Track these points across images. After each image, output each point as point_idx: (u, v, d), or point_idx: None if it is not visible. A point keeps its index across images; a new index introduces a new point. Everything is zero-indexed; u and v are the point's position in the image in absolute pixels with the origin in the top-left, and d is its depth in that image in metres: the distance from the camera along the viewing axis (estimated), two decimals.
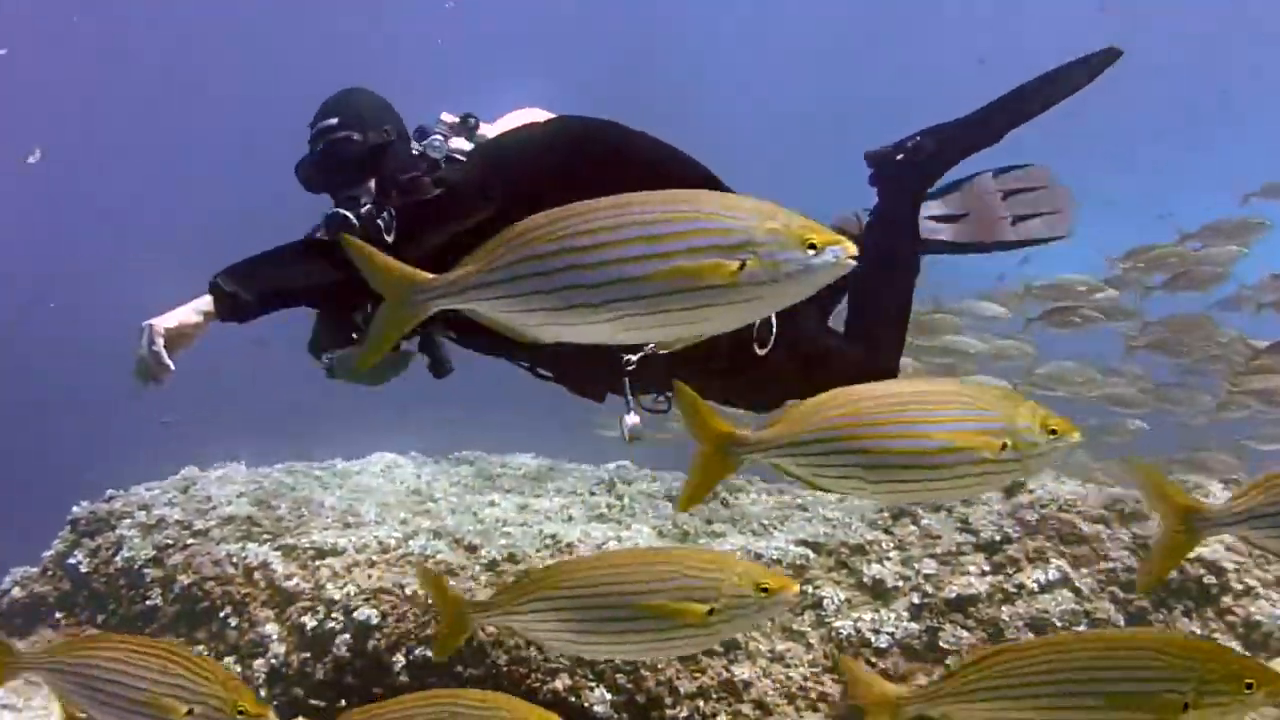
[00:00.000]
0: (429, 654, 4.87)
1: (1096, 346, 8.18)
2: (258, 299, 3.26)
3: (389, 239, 3.36)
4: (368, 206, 3.43)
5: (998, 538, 5.35)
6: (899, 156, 4.17)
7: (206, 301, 3.23)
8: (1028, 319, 7.82)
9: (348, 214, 3.39)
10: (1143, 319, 7.78)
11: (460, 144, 3.62)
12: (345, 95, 3.62)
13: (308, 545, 5.48)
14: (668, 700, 4.73)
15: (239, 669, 5.05)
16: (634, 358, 3.60)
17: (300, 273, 3.37)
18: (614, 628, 2.60)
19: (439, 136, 3.55)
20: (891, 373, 4.14)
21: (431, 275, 2.16)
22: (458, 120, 3.69)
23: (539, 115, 3.82)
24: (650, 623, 2.54)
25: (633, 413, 3.66)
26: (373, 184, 3.50)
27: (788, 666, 4.88)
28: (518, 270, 2.05)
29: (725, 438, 2.43)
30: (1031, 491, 5.60)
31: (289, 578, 5.31)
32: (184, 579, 5.38)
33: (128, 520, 5.82)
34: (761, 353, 3.77)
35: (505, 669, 4.82)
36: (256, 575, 5.35)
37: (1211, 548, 5.05)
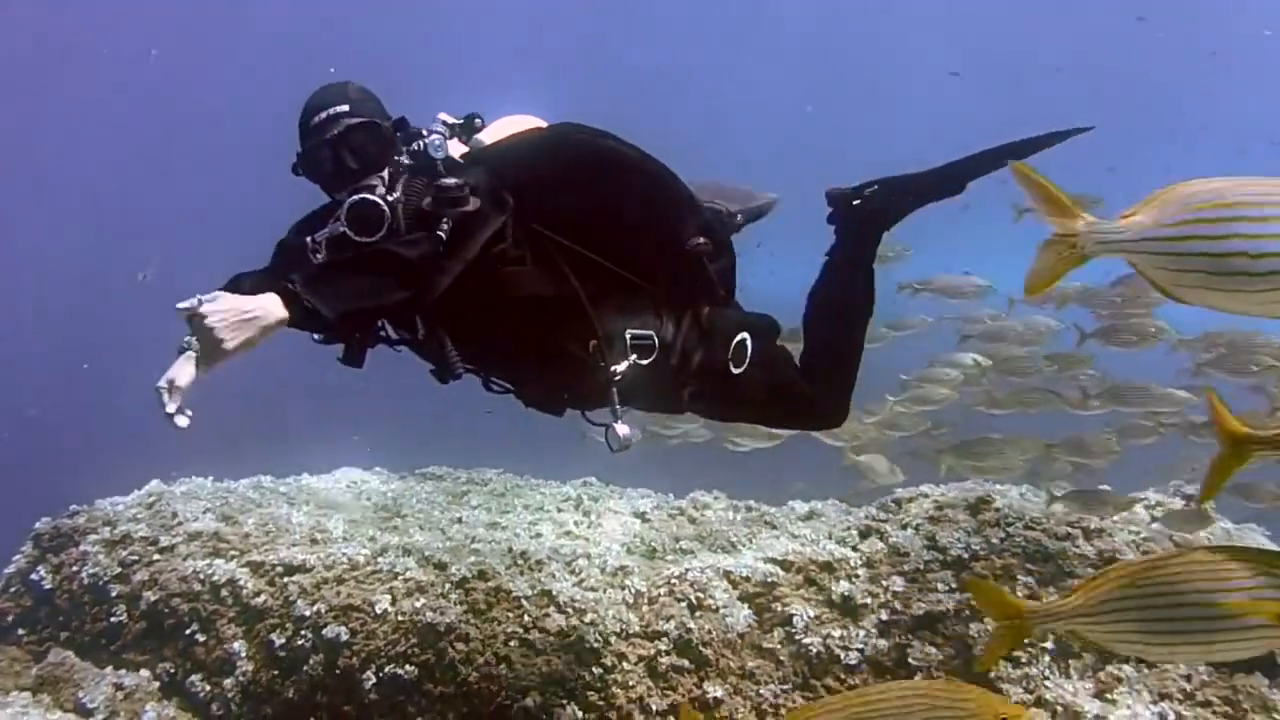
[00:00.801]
0: (399, 671, 4.86)
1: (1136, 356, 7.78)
2: (338, 318, 3.12)
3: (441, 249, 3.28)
4: (395, 195, 3.36)
5: (965, 555, 5.39)
6: (855, 202, 4.28)
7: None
8: (1081, 335, 7.46)
9: (377, 200, 3.31)
10: (1207, 335, 7.24)
11: (455, 146, 3.61)
12: (344, 85, 3.52)
13: (276, 562, 5.45)
14: (639, 717, 4.74)
15: (207, 687, 5.01)
16: (620, 369, 3.62)
17: (371, 289, 3.23)
18: (1190, 627, 2.61)
19: (438, 137, 3.49)
20: (842, 408, 4.30)
21: (1096, 219, 2.38)
22: (459, 122, 3.67)
23: (531, 122, 3.84)
24: (1228, 621, 2.55)
25: (621, 423, 3.70)
26: (386, 174, 3.42)
27: (758, 683, 4.90)
28: (1184, 231, 2.23)
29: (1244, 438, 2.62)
30: (998, 509, 5.66)
31: (257, 594, 5.29)
32: (150, 595, 5.34)
33: (92, 536, 5.76)
34: (737, 372, 3.87)
35: (476, 686, 4.81)
36: (224, 592, 5.31)
37: None
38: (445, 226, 3.26)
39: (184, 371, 3.55)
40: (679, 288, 3.81)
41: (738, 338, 3.89)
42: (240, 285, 3.77)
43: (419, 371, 3.91)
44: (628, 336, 3.65)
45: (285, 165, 3.52)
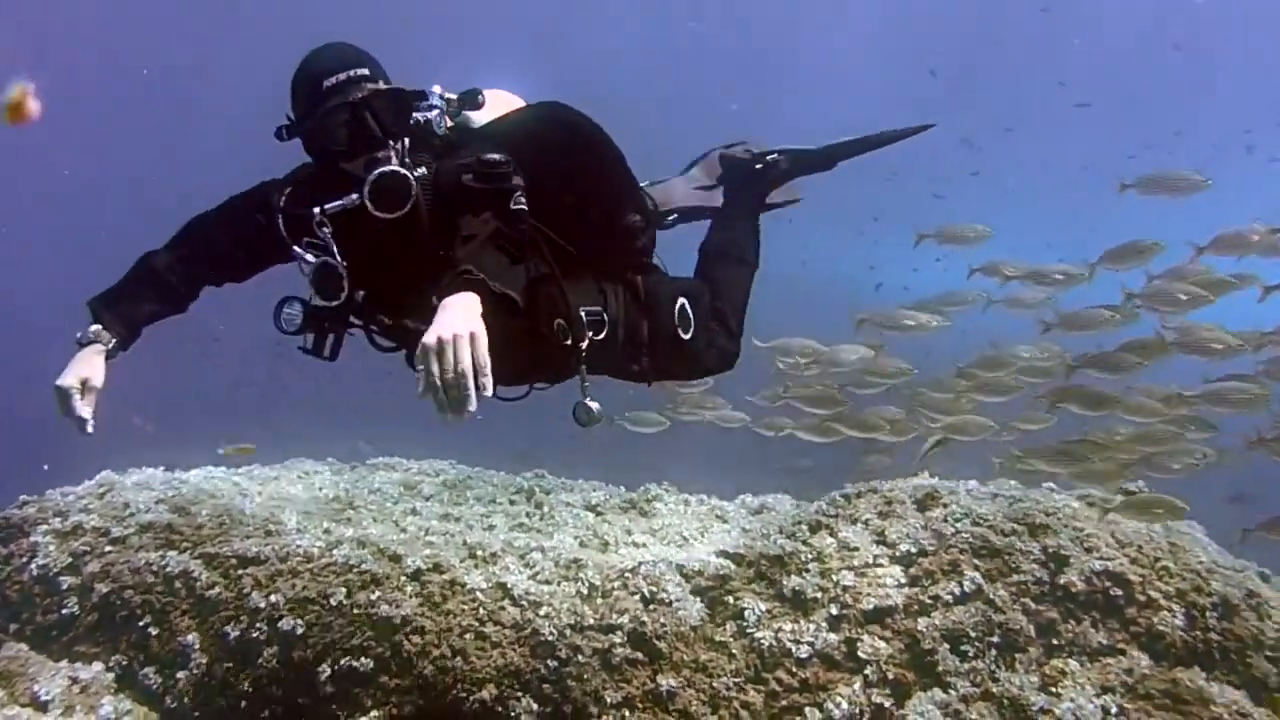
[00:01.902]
0: (355, 664, 4.87)
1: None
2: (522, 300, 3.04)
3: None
4: (420, 171, 3.32)
5: (913, 550, 5.49)
6: (757, 166, 4.73)
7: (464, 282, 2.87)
8: (1162, 341, 6.85)
9: (406, 174, 3.26)
10: None
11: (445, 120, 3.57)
12: (353, 47, 3.42)
13: (230, 554, 5.44)
14: (593, 710, 4.79)
15: (160, 679, 5.00)
16: (584, 345, 3.65)
17: (505, 267, 3.12)
18: None
19: (437, 112, 3.48)
20: (738, 350, 4.48)
21: None
22: (456, 97, 3.59)
23: (511, 98, 3.86)
24: None
25: (590, 398, 3.74)
26: (399, 147, 3.37)
27: (711, 676, 4.97)
28: None
29: None
30: (945, 505, 5.76)
31: (211, 587, 5.27)
32: (102, 587, 5.30)
33: (42, 527, 5.70)
34: (686, 336, 4.04)
35: (432, 678, 4.84)
36: (178, 584, 5.29)
37: (1117, 561, 5.25)
38: (522, 201, 3.28)
39: (96, 369, 3.38)
40: (615, 262, 3.89)
41: (678, 304, 4.02)
42: (153, 262, 3.64)
43: (364, 363, 3.91)
44: (583, 314, 3.67)
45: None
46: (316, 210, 3.31)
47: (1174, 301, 6.81)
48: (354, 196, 3.27)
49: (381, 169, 3.26)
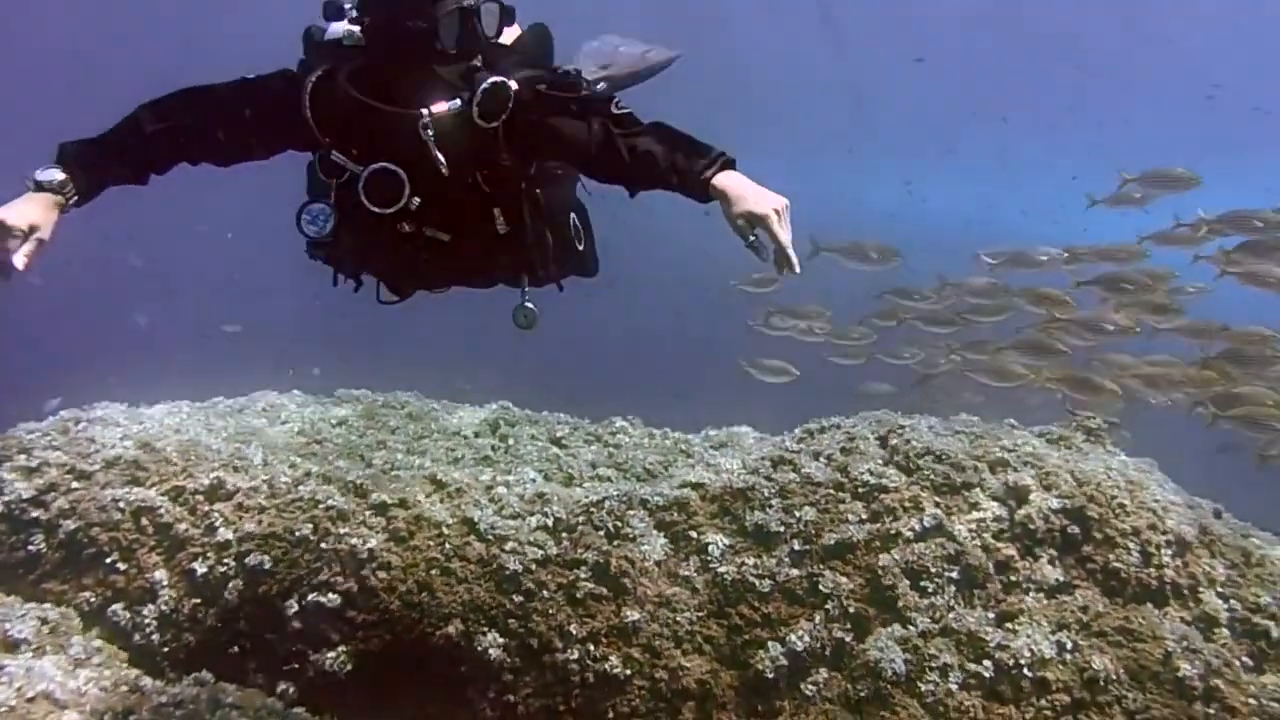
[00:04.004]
0: (322, 599, 4.92)
1: None
2: None
3: None
4: (513, 84, 3.38)
5: (875, 485, 5.54)
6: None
7: None
8: None
9: (512, 85, 3.35)
10: None
11: None
12: None
13: (196, 489, 5.44)
14: (559, 643, 4.85)
15: (128, 615, 5.01)
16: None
17: None
18: None
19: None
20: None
21: None
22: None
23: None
24: None
25: (528, 300, 3.90)
26: (479, 60, 3.43)
27: (674, 611, 5.03)
28: None
29: None
30: (908, 442, 5.81)
31: (178, 522, 5.27)
32: (69, 524, 5.26)
33: (7, 464, 5.65)
34: (580, 248, 4.17)
35: (399, 613, 4.89)
36: (144, 520, 5.28)
37: (1075, 499, 5.32)
38: (625, 106, 3.42)
39: (49, 222, 3.08)
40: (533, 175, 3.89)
41: (571, 217, 4.12)
42: (143, 125, 3.42)
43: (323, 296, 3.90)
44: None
45: None
46: (425, 111, 3.33)
47: None
48: (457, 102, 3.33)
49: (493, 79, 3.34)
